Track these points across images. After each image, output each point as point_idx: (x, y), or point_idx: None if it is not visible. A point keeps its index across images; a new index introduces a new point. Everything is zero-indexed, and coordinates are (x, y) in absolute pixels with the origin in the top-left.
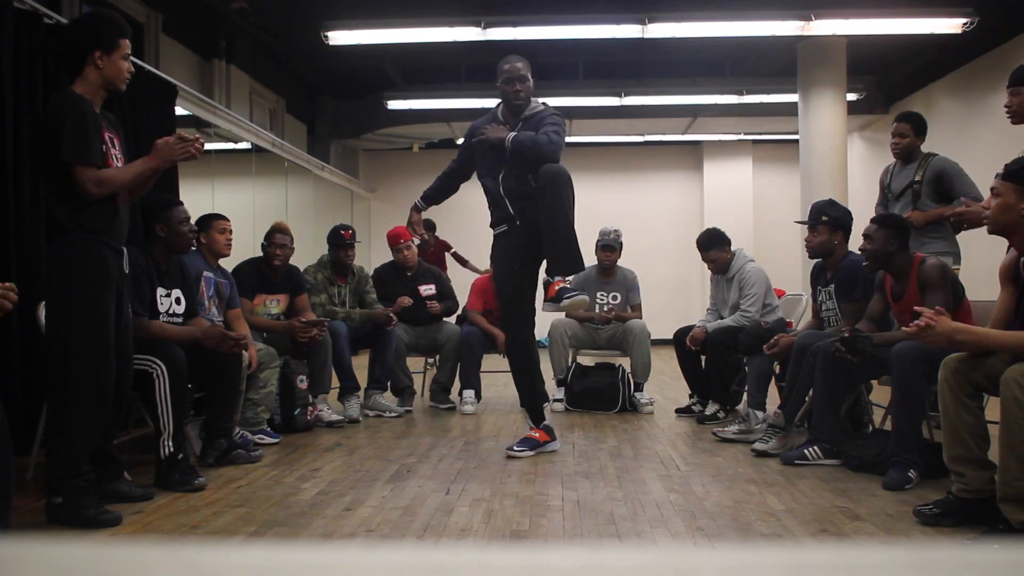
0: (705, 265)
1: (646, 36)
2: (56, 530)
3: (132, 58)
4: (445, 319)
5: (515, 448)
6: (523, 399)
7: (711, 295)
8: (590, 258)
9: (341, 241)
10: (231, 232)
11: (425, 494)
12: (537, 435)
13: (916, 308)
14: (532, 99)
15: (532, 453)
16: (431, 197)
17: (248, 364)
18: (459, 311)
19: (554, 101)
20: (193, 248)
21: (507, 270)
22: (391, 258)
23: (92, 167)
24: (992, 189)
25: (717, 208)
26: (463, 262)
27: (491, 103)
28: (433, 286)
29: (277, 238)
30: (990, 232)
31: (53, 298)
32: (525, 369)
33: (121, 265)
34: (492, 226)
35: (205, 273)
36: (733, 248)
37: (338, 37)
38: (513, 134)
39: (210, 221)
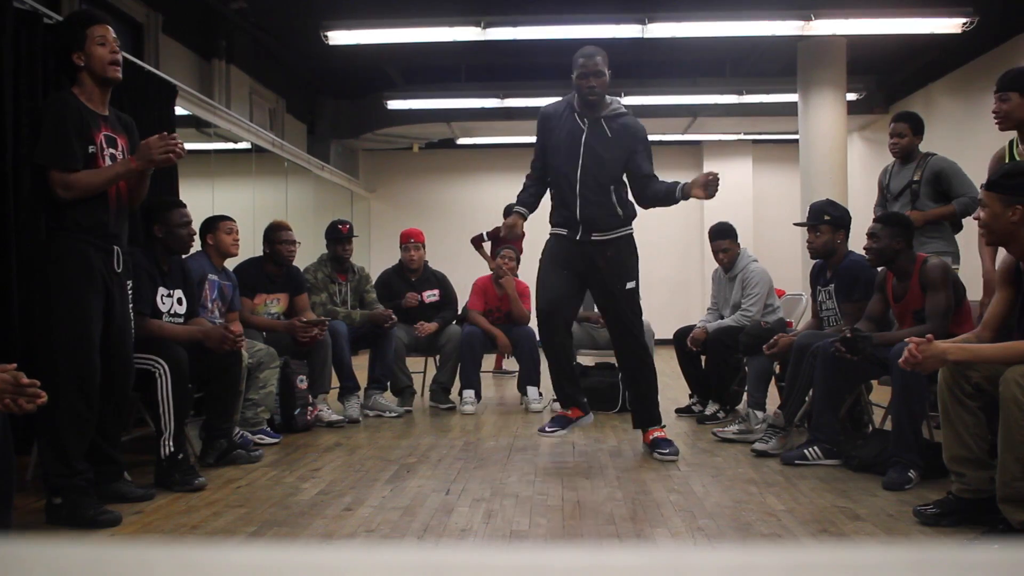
0: (705, 265)
1: (646, 36)
2: (56, 530)
3: (132, 58)
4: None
5: (547, 428)
6: (558, 388)
7: (712, 294)
8: None
9: (339, 235)
10: (238, 232)
11: (425, 494)
12: (570, 412)
13: (907, 339)
14: (608, 96)
15: (565, 431)
16: (530, 204)
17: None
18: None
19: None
20: (199, 250)
21: (557, 274)
22: (394, 261)
23: (61, 170)
24: (979, 201)
25: (717, 208)
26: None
27: (491, 103)
28: (437, 291)
29: (285, 235)
30: (988, 243)
31: (37, 298)
32: (563, 364)
33: (111, 264)
34: (552, 223)
35: (210, 276)
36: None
37: (338, 37)
38: (680, 185)
39: (217, 222)
